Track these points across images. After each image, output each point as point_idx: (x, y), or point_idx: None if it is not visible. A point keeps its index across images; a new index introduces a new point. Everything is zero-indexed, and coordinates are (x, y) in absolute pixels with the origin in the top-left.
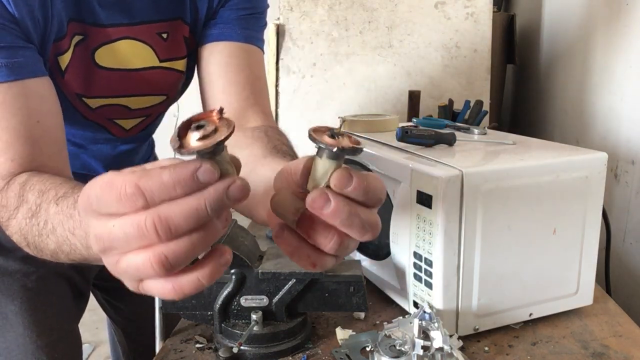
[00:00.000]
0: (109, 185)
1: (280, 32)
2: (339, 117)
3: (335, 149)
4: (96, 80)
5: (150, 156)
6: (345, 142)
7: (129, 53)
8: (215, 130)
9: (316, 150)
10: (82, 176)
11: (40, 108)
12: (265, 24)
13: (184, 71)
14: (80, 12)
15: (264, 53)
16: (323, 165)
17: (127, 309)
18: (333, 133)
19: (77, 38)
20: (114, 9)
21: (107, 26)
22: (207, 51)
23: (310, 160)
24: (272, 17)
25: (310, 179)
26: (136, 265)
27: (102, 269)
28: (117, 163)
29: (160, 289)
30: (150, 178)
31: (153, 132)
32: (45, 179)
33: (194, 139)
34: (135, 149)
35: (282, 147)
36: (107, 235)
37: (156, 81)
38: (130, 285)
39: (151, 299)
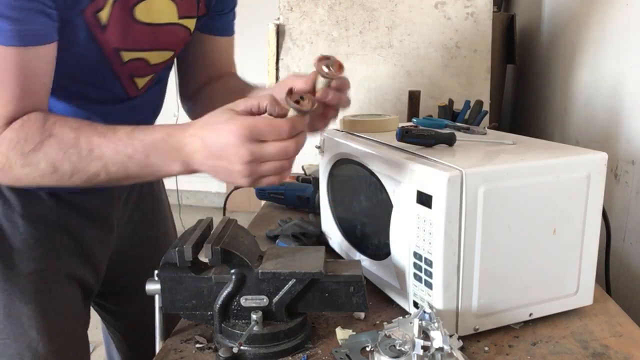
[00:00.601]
0: (271, 123)
1: (280, 32)
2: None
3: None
4: (133, 34)
5: None
6: (333, 72)
7: (160, 9)
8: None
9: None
10: None
11: (45, 71)
12: None
13: (191, 32)
14: None
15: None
16: (321, 81)
17: (127, 313)
18: (327, 64)
19: None
20: None
21: None
22: (206, 39)
23: (315, 75)
24: (272, 17)
25: (316, 84)
26: (276, 168)
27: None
28: None
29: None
30: (293, 123)
31: (156, 104)
32: (65, 119)
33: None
34: (145, 112)
35: (244, 81)
36: (258, 152)
37: (172, 36)
38: (248, 182)
39: (150, 303)
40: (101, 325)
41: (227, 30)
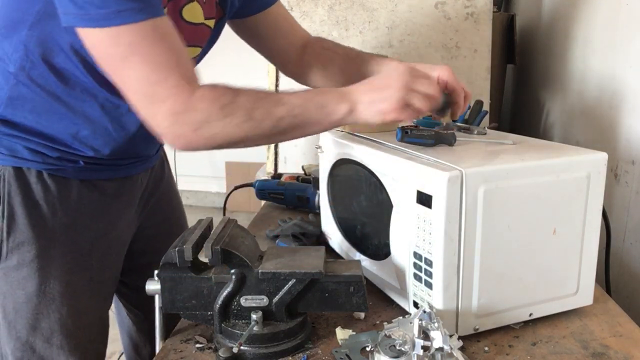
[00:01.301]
0: (425, 72)
1: None
2: None
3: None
4: (180, 32)
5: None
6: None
7: (196, 11)
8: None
9: None
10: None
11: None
12: None
13: (212, 29)
14: None
15: None
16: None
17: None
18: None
19: None
20: None
21: None
22: (258, 17)
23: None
24: None
25: None
26: (424, 99)
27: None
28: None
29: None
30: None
31: None
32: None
33: None
34: None
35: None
36: (414, 83)
37: (201, 35)
38: (399, 106)
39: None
40: (117, 316)
41: (266, 1)
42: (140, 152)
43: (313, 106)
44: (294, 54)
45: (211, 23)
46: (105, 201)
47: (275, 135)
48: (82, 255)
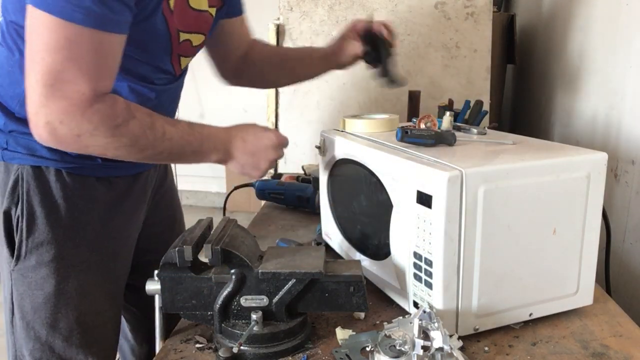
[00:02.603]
0: (284, 136)
1: (280, 32)
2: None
3: None
4: (187, 18)
5: None
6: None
7: None
8: None
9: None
10: None
11: (114, 58)
12: None
13: (214, 18)
14: None
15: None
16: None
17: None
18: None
19: None
20: None
21: None
22: (228, 21)
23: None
24: (272, 17)
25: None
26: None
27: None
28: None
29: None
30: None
31: (181, 90)
32: (140, 106)
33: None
34: (176, 106)
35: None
36: (279, 155)
37: (205, 22)
38: (261, 175)
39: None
40: None
41: (241, 9)
42: None
43: (190, 149)
44: (235, 60)
45: (213, 11)
46: (119, 198)
47: (148, 159)
48: (98, 254)
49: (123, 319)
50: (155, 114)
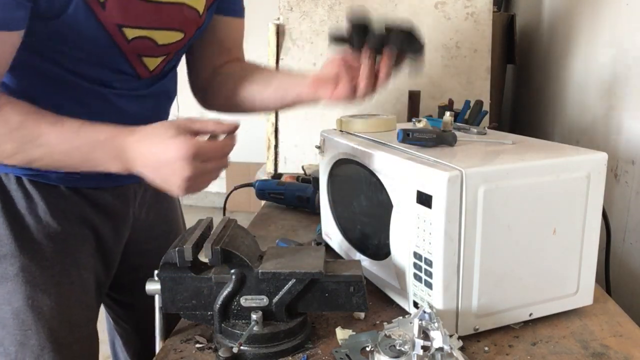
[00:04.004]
0: (214, 145)
1: (280, 32)
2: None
3: None
4: (134, 11)
5: None
6: None
7: None
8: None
9: None
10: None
11: (2, 56)
12: None
13: (201, 13)
14: None
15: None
16: None
17: (138, 306)
18: None
19: None
20: None
21: None
22: (215, 19)
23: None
24: (272, 17)
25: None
26: (209, 181)
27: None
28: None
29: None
30: (228, 144)
31: (171, 92)
32: (17, 102)
33: None
34: (157, 117)
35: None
36: (200, 170)
37: (178, 16)
38: (181, 194)
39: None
40: (106, 323)
41: (235, 9)
42: None
43: (78, 156)
44: (210, 71)
45: (197, 3)
46: (94, 212)
47: (28, 164)
48: (71, 267)
49: (116, 333)
50: (38, 112)
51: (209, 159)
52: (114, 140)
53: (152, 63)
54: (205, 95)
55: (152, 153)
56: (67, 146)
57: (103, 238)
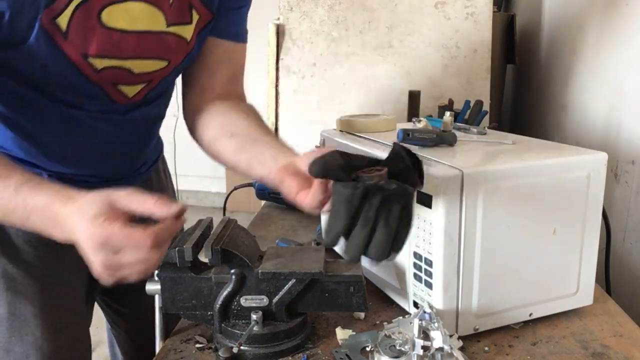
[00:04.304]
0: (130, 236)
1: (280, 32)
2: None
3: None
4: (102, 41)
5: (159, 158)
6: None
7: (138, 15)
8: None
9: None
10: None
11: None
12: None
13: (189, 40)
14: None
15: (247, 41)
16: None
17: (132, 312)
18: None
19: None
20: None
21: None
22: (208, 41)
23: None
24: (272, 17)
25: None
26: (137, 272)
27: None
28: (121, 157)
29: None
30: (157, 235)
31: (157, 115)
32: None
33: None
34: (139, 139)
35: (272, 131)
36: (113, 262)
37: (161, 45)
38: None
39: (153, 303)
40: (105, 324)
41: (229, 32)
42: (101, 171)
43: (16, 218)
44: (200, 102)
45: (184, 31)
46: None
47: None
48: (56, 271)
49: (113, 338)
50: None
51: (124, 250)
52: (49, 208)
53: (131, 90)
54: (192, 127)
55: (75, 231)
56: (3, 208)
57: None
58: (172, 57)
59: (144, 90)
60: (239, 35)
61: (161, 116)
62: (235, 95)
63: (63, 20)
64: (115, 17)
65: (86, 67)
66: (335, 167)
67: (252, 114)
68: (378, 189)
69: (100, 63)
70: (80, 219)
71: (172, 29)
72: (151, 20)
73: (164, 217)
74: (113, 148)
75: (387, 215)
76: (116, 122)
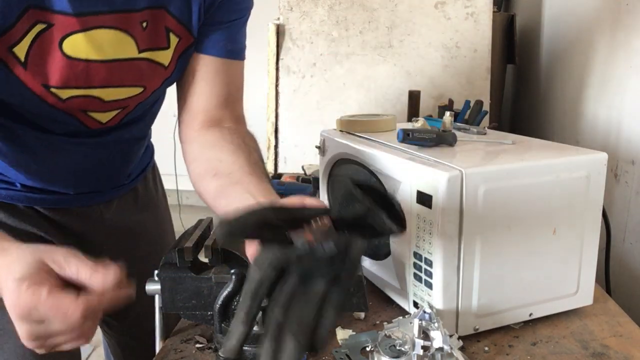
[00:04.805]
0: (58, 306)
1: (280, 32)
2: None
3: None
4: (64, 71)
5: (147, 168)
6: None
7: (105, 42)
8: None
9: None
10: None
11: None
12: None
13: (166, 65)
14: None
15: (245, 58)
16: None
17: (122, 318)
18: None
19: (39, 27)
20: None
21: (77, 15)
22: (195, 59)
23: None
24: (272, 17)
25: None
26: (69, 342)
27: None
28: (110, 166)
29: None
30: (88, 305)
31: (140, 135)
32: None
33: None
34: (121, 158)
35: (260, 165)
36: (40, 332)
37: (133, 72)
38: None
39: (143, 310)
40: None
41: (219, 48)
42: (80, 187)
43: None
44: (196, 122)
45: (160, 56)
46: (54, 231)
47: None
48: None
49: (104, 339)
50: None
51: (51, 320)
52: None
53: (104, 117)
54: (184, 154)
55: (2, 289)
56: None
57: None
58: (147, 84)
59: (120, 115)
60: (234, 52)
61: (144, 136)
62: (232, 119)
63: (21, 50)
64: (78, 47)
65: (49, 96)
66: (250, 227)
67: (243, 146)
68: (302, 259)
69: (64, 93)
70: (6, 279)
71: (145, 55)
72: (120, 47)
73: (100, 287)
74: (91, 168)
75: (305, 308)
76: (93, 145)
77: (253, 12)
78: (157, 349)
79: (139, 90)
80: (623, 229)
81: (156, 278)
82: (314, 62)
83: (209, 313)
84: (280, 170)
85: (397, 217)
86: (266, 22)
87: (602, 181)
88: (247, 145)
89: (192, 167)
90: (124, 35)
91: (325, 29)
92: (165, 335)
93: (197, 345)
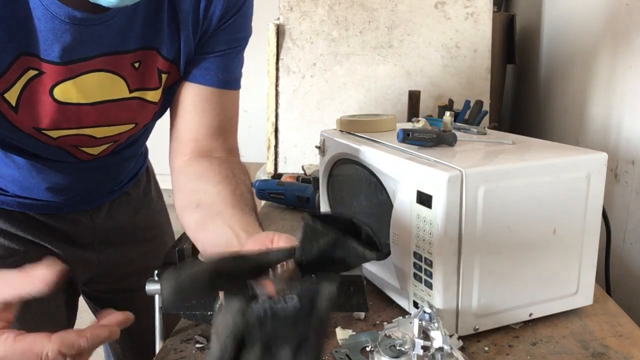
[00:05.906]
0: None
1: (280, 32)
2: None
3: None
4: (55, 116)
5: (139, 173)
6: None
7: (95, 86)
8: None
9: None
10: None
11: None
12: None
13: (156, 102)
14: (33, 46)
15: (240, 87)
16: None
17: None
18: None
19: (30, 72)
20: (77, 44)
21: (65, 64)
22: (185, 88)
23: None
24: (272, 17)
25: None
26: None
27: (90, 281)
28: (100, 176)
29: None
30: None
31: (131, 155)
32: None
33: None
34: (112, 175)
35: (247, 197)
36: None
37: (125, 111)
38: None
39: (141, 310)
40: None
41: (209, 77)
42: (69, 198)
43: None
44: (185, 150)
45: (150, 95)
46: (49, 236)
47: None
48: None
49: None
50: None
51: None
52: None
53: (95, 150)
54: (172, 182)
55: None
56: None
57: (61, 258)
58: (139, 120)
59: (111, 147)
60: (226, 81)
61: (136, 154)
62: (223, 150)
63: (12, 96)
64: (69, 94)
65: (41, 136)
66: (200, 283)
67: (231, 177)
68: (264, 322)
69: (55, 133)
70: None
71: (136, 94)
72: (110, 89)
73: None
74: (81, 184)
75: None
76: (84, 169)
77: (253, 11)
78: (157, 349)
79: (130, 126)
80: (623, 229)
81: (156, 278)
82: (314, 62)
83: (209, 313)
84: (280, 170)
85: (369, 241)
86: (266, 22)
87: (602, 181)
88: (236, 177)
89: (176, 199)
90: (114, 77)
91: (325, 29)
92: (165, 335)
93: (197, 345)
